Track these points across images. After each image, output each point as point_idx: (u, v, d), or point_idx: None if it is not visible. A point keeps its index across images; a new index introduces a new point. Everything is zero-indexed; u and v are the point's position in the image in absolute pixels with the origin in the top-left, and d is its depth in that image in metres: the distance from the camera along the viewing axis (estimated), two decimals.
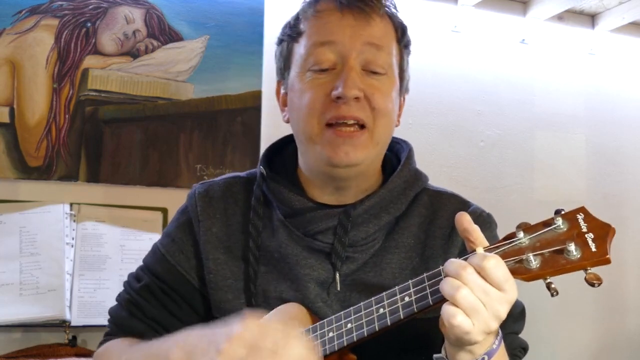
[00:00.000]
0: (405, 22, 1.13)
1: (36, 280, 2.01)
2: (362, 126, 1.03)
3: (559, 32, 2.87)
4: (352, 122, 1.02)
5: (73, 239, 2.09)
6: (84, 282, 2.07)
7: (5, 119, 2.10)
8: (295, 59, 1.09)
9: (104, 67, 2.21)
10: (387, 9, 1.09)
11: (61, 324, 2.02)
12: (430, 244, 1.08)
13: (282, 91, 1.16)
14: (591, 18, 2.90)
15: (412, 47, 1.16)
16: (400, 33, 1.11)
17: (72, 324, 2.02)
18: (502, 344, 0.89)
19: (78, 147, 2.17)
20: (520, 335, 1.12)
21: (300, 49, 1.08)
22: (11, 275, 2.00)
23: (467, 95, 2.74)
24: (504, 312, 0.81)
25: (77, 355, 1.94)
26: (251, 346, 0.81)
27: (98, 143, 2.19)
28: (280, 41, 1.15)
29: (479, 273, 0.80)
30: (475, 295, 0.79)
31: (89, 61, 2.20)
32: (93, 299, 2.06)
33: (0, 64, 2.11)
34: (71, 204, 2.12)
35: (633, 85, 3.05)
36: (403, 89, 1.13)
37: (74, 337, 2.02)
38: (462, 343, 0.83)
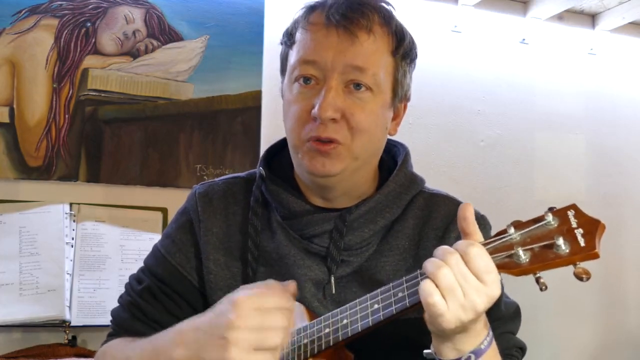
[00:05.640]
0: (405, 28, 1.10)
1: (36, 280, 2.01)
2: (340, 143, 1.03)
3: (559, 32, 2.87)
4: (327, 140, 1.02)
5: (73, 239, 2.09)
6: (84, 282, 2.07)
7: (5, 119, 2.10)
8: (288, 66, 1.10)
9: (104, 67, 2.21)
10: (383, 18, 1.06)
11: (61, 324, 2.01)
12: (423, 245, 1.09)
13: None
14: (591, 18, 2.90)
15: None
16: (396, 43, 1.07)
17: (72, 324, 2.02)
18: (494, 346, 0.89)
19: (78, 147, 2.17)
20: (521, 333, 1.12)
21: (292, 58, 1.08)
22: (11, 275, 2.00)
23: (467, 95, 2.74)
24: (481, 305, 0.81)
25: (77, 355, 1.94)
26: (256, 326, 0.83)
27: (98, 143, 2.19)
28: (281, 43, 1.15)
29: (462, 259, 0.81)
30: (455, 277, 0.80)
31: (89, 61, 2.20)
32: (93, 299, 2.06)
33: (0, 64, 2.11)
34: (71, 204, 2.12)
35: (633, 86, 3.05)
36: (396, 100, 1.10)
37: (74, 337, 2.02)
38: (437, 329, 0.83)
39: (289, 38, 1.10)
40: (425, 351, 0.90)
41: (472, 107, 2.75)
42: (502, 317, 1.06)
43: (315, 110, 1.01)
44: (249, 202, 1.14)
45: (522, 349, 1.10)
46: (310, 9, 1.09)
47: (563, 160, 2.90)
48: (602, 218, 0.82)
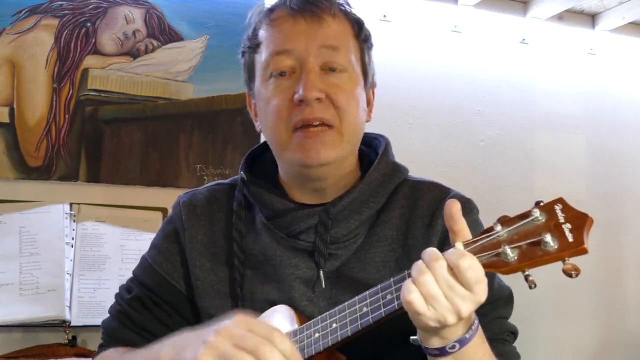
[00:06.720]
0: (361, 17, 1.15)
1: (36, 280, 2.01)
2: (329, 126, 1.04)
3: (559, 32, 2.87)
4: (317, 123, 1.03)
5: (73, 239, 2.09)
6: (84, 282, 2.07)
7: (5, 119, 2.10)
8: (257, 69, 1.12)
9: (104, 67, 2.21)
10: (340, 7, 1.10)
11: (61, 324, 2.01)
12: (411, 234, 1.08)
13: (253, 102, 1.18)
14: (591, 18, 2.90)
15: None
16: (357, 28, 1.12)
17: (72, 324, 2.02)
18: (481, 334, 0.89)
19: (78, 147, 2.17)
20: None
21: (260, 58, 1.10)
22: (11, 275, 2.00)
23: (467, 95, 2.74)
24: (466, 311, 0.81)
25: (76, 355, 1.94)
26: (236, 342, 0.82)
27: (98, 143, 2.19)
28: (242, 53, 1.17)
29: (451, 269, 0.80)
30: (439, 285, 0.80)
31: (89, 61, 2.20)
32: (93, 299, 2.06)
33: (0, 64, 2.11)
34: (71, 204, 2.12)
35: (633, 86, 3.05)
36: (368, 83, 1.14)
37: (74, 337, 2.02)
38: (419, 325, 0.84)
39: (251, 42, 1.13)
40: (411, 337, 0.90)
41: (472, 107, 2.75)
42: (495, 300, 1.05)
43: (299, 93, 1.02)
44: (233, 207, 1.15)
45: (514, 333, 1.10)
46: (269, 10, 1.12)
47: (563, 160, 2.90)
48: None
